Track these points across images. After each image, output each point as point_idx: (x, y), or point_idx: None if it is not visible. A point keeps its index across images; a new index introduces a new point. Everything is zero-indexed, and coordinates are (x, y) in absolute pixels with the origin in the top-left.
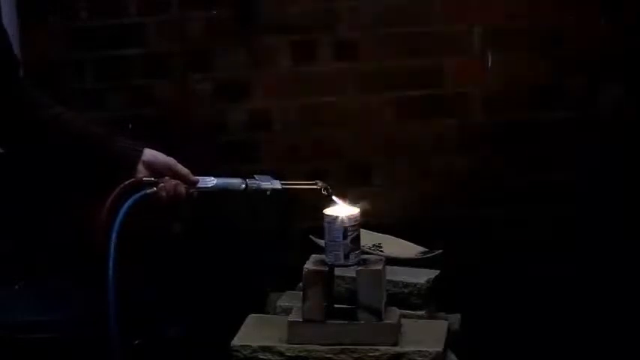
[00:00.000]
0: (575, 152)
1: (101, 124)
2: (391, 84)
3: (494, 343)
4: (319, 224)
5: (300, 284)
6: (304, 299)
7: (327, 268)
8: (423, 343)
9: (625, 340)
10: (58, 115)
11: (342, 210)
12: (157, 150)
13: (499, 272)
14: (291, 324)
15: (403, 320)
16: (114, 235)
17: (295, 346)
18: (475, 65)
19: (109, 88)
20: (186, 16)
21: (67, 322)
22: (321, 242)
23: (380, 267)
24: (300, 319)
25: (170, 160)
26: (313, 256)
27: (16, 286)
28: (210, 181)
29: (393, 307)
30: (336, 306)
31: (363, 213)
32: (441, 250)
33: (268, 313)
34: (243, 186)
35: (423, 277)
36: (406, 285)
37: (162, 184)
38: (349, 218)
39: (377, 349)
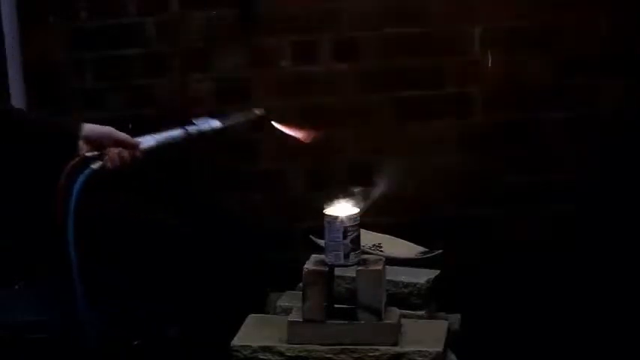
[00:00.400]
0: (575, 152)
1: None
2: (391, 84)
3: (494, 343)
4: (319, 224)
5: (300, 284)
6: (304, 299)
7: (327, 268)
8: (423, 343)
9: (625, 340)
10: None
11: (342, 210)
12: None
13: (499, 272)
14: (291, 324)
15: (403, 320)
16: (70, 218)
17: (295, 346)
18: (475, 65)
19: (109, 88)
20: (186, 16)
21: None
22: (321, 242)
23: (380, 267)
24: (300, 319)
25: (107, 129)
26: (313, 256)
27: (16, 286)
28: (151, 139)
29: (393, 307)
30: (336, 306)
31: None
32: (441, 250)
33: (268, 313)
34: (185, 134)
35: (423, 277)
36: (406, 285)
37: (106, 156)
38: (349, 218)
39: (377, 349)
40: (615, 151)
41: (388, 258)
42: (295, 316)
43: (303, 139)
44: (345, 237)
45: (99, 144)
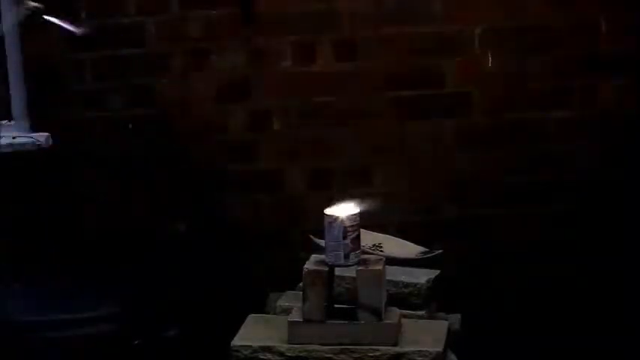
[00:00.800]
0: (576, 152)
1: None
2: (391, 84)
3: (494, 343)
4: (319, 224)
5: (300, 284)
6: (304, 299)
7: (327, 268)
8: (423, 343)
9: (625, 340)
10: None
11: (342, 210)
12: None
13: (499, 272)
14: (291, 324)
15: (403, 320)
16: None
17: (295, 346)
18: (475, 65)
19: (109, 88)
20: (186, 15)
21: (67, 322)
22: (321, 242)
23: (380, 267)
24: (300, 319)
25: None
26: (313, 256)
27: (16, 286)
28: None
29: (393, 307)
30: (336, 306)
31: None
32: (441, 250)
33: (268, 313)
34: None
35: (423, 277)
36: (406, 285)
37: None
38: (349, 218)
39: (377, 349)
40: (615, 151)
41: (388, 258)
42: (295, 316)
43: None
44: (345, 237)
45: None
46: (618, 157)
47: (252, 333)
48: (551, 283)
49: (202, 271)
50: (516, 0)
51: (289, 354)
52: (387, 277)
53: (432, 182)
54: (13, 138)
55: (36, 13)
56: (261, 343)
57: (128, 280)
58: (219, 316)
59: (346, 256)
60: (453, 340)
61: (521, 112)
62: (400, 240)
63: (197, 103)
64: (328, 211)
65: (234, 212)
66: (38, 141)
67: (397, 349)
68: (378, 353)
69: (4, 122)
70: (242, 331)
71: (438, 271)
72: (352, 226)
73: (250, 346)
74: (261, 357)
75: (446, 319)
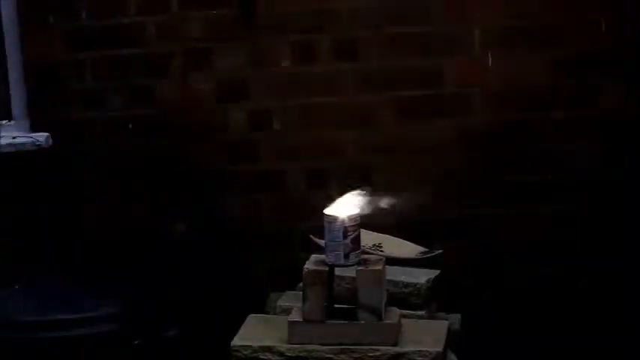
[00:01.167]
0: (575, 152)
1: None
2: (391, 84)
3: (494, 343)
4: (319, 224)
5: (300, 284)
6: (304, 299)
7: (327, 268)
8: (423, 343)
9: (625, 340)
10: None
11: (342, 210)
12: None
13: (499, 272)
14: (291, 324)
15: (403, 320)
16: None
17: (295, 346)
18: (475, 65)
19: (109, 88)
20: (186, 16)
21: (67, 322)
22: (321, 242)
23: (380, 267)
24: (300, 319)
25: None
26: (313, 256)
27: (16, 286)
28: None
29: (393, 307)
30: (336, 306)
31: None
32: (441, 250)
33: (268, 313)
34: None
35: (423, 277)
36: (406, 285)
37: None
38: (349, 218)
39: (377, 349)
40: (615, 151)
41: (388, 258)
42: (295, 316)
43: None
44: (345, 237)
45: None
46: (618, 157)
47: (252, 333)
48: (551, 283)
49: (202, 271)
50: (516, 0)
51: (289, 354)
52: (387, 277)
53: (432, 182)
54: (13, 138)
55: None
56: (261, 343)
57: (128, 280)
58: (219, 316)
59: (346, 256)
60: (453, 340)
61: (521, 112)
62: (400, 240)
63: (197, 103)
64: (328, 211)
65: (234, 212)
66: (38, 141)
67: (397, 349)
68: (378, 353)
69: (4, 122)
70: (242, 331)
71: (438, 271)
72: (352, 226)
73: (250, 346)
74: (261, 357)
75: (446, 319)
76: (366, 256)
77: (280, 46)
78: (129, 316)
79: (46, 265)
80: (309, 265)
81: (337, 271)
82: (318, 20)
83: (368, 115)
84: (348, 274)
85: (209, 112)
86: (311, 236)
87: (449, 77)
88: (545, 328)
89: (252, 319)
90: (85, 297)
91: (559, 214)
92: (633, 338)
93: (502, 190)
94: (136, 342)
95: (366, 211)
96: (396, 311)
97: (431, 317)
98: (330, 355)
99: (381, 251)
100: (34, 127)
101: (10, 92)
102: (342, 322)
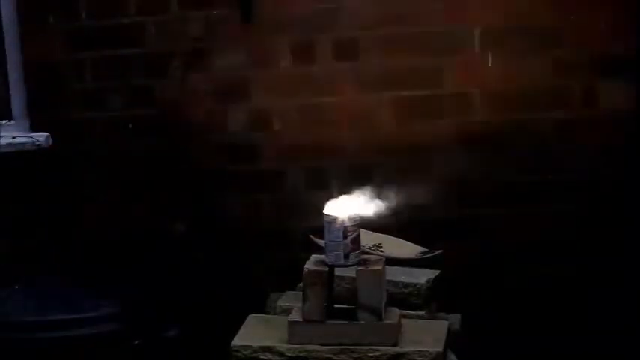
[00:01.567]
0: (575, 152)
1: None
2: (391, 84)
3: (494, 343)
4: (319, 224)
5: (300, 284)
6: (304, 299)
7: (327, 268)
8: (423, 343)
9: (625, 340)
10: None
11: (342, 210)
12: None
13: (499, 272)
14: (291, 324)
15: (403, 320)
16: None
17: (295, 346)
18: (475, 65)
19: (109, 88)
20: (186, 16)
21: (67, 322)
22: (321, 242)
23: (380, 267)
24: (300, 319)
25: None
26: (313, 256)
27: (16, 286)
28: None
29: (393, 307)
30: (336, 306)
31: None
32: (441, 250)
33: (268, 313)
34: None
35: (423, 277)
36: (406, 285)
37: None
38: (349, 218)
39: (377, 349)
40: (615, 151)
41: (388, 258)
42: (295, 316)
43: None
44: (345, 237)
45: None
46: (618, 157)
47: (252, 333)
48: (551, 283)
49: (202, 271)
50: (516, 0)
51: (289, 354)
52: (387, 277)
53: (432, 182)
54: (13, 138)
55: None
56: (261, 343)
57: (128, 280)
58: (219, 316)
59: (346, 256)
60: (453, 340)
61: (521, 112)
62: (400, 240)
63: (197, 104)
64: (328, 211)
65: (234, 212)
66: (38, 141)
67: (397, 349)
68: (378, 353)
69: (4, 122)
70: (242, 331)
71: (438, 271)
72: (352, 226)
73: (250, 346)
74: (261, 357)
75: (446, 319)
76: (366, 256)
77: (280, 46)
78: (129, 316)
79: (46, 265)
80: (309, 265)
81: (337, 271)
82: (317, 20)
83: (368, 115)
84: (348, 274)
85: (209, 112)
86: (311, 236)
87: (449, 77)
88: (545, 328)
89: (252, 319)
90: (85, 297)
91: (559, 214)
92: (633, 338)
93: (502, 190)
94: (136, 342)
95: (369, 214)
96: (396, 311)
97: (431, 317)
98: (330, 355)
99: (381, 251)
100: (34, 127)
101: (10, 92)
102: (342, 322)
